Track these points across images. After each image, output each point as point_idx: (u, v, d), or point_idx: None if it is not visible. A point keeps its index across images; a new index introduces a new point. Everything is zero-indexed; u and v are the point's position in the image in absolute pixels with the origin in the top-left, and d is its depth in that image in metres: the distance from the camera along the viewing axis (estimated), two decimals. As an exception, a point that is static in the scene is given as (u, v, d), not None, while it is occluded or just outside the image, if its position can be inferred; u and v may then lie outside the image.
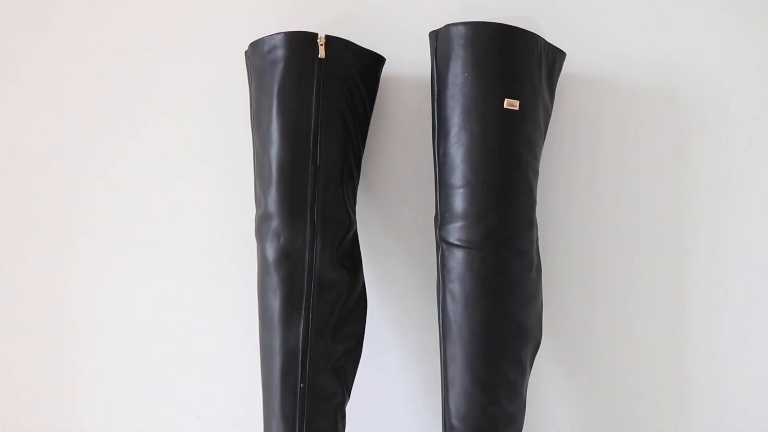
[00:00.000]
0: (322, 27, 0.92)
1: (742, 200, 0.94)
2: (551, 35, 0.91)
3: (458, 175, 0.82)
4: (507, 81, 0.81)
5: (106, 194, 0.97)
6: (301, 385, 0.82)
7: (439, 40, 0.84)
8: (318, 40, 0.84)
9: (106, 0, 0.97)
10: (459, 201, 0.82)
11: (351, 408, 0.88)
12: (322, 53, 0.84)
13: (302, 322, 0.82)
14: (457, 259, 0.82)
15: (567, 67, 0.90)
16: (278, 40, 0.83)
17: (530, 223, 0.83)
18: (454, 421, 0.82)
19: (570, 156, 0.94)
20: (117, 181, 0.97)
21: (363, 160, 0.92)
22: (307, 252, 0.83)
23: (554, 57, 0.87)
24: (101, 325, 0.98)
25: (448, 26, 0.83)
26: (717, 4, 0.93)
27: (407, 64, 0.92)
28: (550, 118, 0.88)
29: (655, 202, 0.94)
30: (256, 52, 0.86)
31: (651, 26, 0.93)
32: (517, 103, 0.82)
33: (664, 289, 0.95)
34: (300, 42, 0.83)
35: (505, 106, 0.82)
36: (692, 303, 0.94)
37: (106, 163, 0.97)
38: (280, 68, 0.83)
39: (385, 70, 0.91)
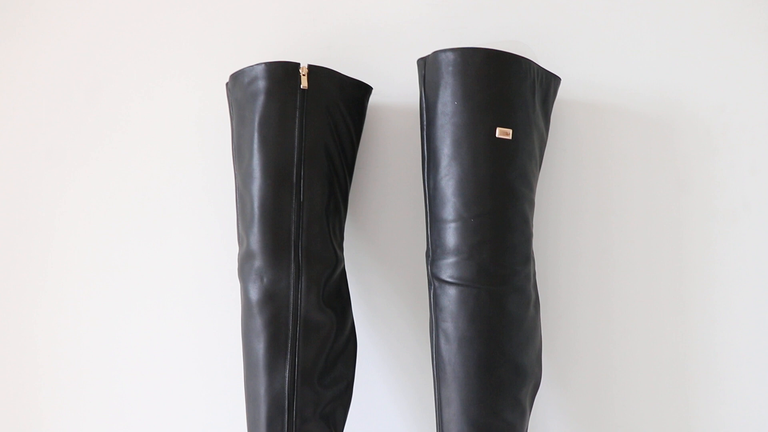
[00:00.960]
0: (306, 55, 0.88)
1: (747, 225, 0.90)
2: (545, 60, 0.87)
3: (449, 208, 0.78)
4: (499, 109, 0.77)
5: (87, 228, 0.93)
6: (288, 433, 0.78)
7: (428, 67, 0.81)
8: (300, 70, 0.80)
9: (86, 30, 0.94)
10: (451, 236, 0.78)
11: (340, 456, 0.84)
12: (304, 83, 0.80)
13: (288, 367, 0.78)
14: (450, 297, 0.78)
15: (562, 92, 0.86)
16: (259, 70, 0.80)
17: (527, 258, 0.79)
18: (451, 469, 0.79)
19: (569, 185, 0.90)
20: (94, 216, 0.93)
21: (350, 195, 0.88)
22: (292, 293, 0.78)
23: (548, 82, 0.83)
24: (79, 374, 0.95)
25: (436, 53, 0.79)
26: (716, 27, 0.89)
27: (395, 93, 0.88)
28: (545, 146, 0.84)
29: (660, 229, 0.90)
30: (237, 83, 0.82)
31: (649, 47, 0.89)
32: (510, 131, 0.78)
33: (683, 331, 0.90)
34: (281, 72, 0.79)
35: (497, 135, 0.78)
36: (713, 340, 0.90)
37: (84, 195, 0.93)
38: (261, 100, 0.79)
39: (372, 99, 0.88)
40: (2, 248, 0.94)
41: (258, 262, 0.79)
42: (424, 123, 0.81)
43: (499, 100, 0.78)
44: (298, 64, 0.80)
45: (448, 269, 0.78)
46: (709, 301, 0.90)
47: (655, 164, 0.90)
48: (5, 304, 0.93)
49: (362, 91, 0.86)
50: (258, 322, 0.78)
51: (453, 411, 0.78)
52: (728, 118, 0.90)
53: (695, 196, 0.90)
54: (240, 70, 0.82)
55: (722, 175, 0.91)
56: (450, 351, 0.79)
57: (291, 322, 0.78)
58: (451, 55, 0.80)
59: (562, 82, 0.87)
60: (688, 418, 0.90)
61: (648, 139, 0.90)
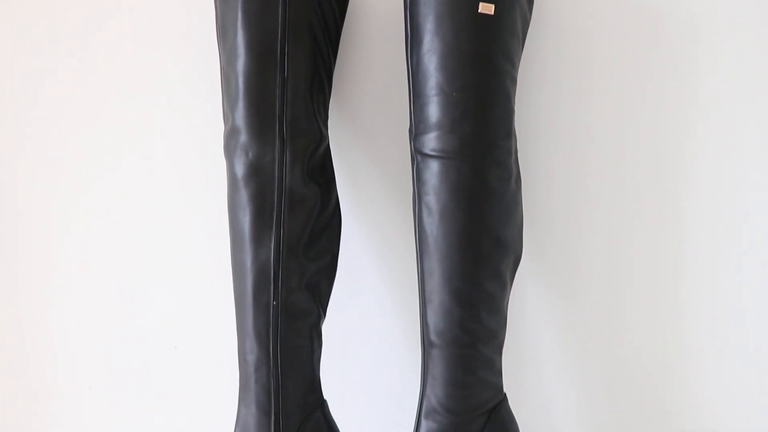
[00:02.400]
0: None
1: (729, 112, 0.92)
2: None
3: (432, 83, 0.79)
4: (481, -17, 0.79)
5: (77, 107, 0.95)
6: (274, 302, 0.80)
7: (412, -59, 0.81)
8: (284, -57, 0.81)
9: None
10: (433, 110, 0.79)
11: (327, 328, 0.87)
12: (288, -42, 0.81)
13: (273, 239, 0.80)
14: (432, 170, 0.80)
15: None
16: (241, -55, 0.80)
17: (508, 133, 0.81)
18: (433, 337, 0.81)
19: (552, 65, 0.91)
20: (86, 96, 0.95)
21: (335, 73, 0.89)
22: (277, 166, 0.80)
23: (532, -41, 0.84)
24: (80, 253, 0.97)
25: (420, -74, 0.80)
26: None
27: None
28: (528, 25, 0.85)
29: (639, 113, 0.92)
30: (219, -42, 0.82)
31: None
32: (492, 7, 0.79)
33: (660, 207, 0.93)
34: (264, -54, 0.80)
35: (480, 10, 0.79)
36: (690, 223, 0.93)
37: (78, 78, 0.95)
38: (243, -24, 0.80)
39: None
40: None
41: (243, 138, 0.80)
42: (408, 0, 0.82)
43: (482, -26, 0.80)
44: (281, -62, 0.81)
45: (430, 143, 0.80)
46: (705, 187, 0.93)
47: (638, 48, 0.92)
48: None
49: (346, -33, 0.86)
50: (243, 196, 0.80)
51: (435, 282, 0.81)
52: (714, 3, 0.91)
53: (677, 81, 0.92)
54: (222, -55, 0.82)
55: (706, 61, 0.92)
56: (432, 223, 0.81)
57: (276, 195, 0.80)
58: (434, -71, 0.80)
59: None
60: (666, 291, 0.94)
61: (632, 22, 0.91)
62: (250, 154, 0.80)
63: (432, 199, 0.80)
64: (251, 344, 0.81)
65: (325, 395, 0.86)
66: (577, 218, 0.94)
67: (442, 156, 0.79)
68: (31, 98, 0.97)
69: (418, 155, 0.81)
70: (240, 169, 0.80)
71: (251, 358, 0.81)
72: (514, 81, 0.82)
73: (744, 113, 0.93)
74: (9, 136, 0.98)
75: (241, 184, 0.80)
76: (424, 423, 0.82)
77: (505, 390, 0.85)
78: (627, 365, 0.96)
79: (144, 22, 0.94)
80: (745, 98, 0.92)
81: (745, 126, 0.93)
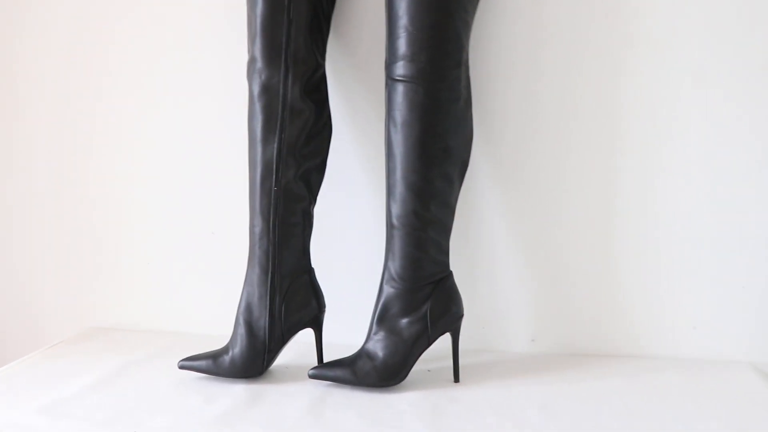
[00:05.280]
0: None
1: (667, 49, 1.10)
2: None
3: (400, 24, 1.02)
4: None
5: (120, 58, 1.24)
6: (275, 188, 1.05)
7: None
8: None
9: None
10: (400, 45, 1.02)
11: (317, 211, 1.11)
12: (295, -74, 1.05)
13: (276, 140, 1.05)
14: (398, 91, 1.03)
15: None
16: None
17: (457, 64, 1.02)
18: (393, 221, 1.04)
19: (510, 10, 1.12)
20: (129, 40, 1.24)
21: (334, 17, 1.13)
22: (281, 86, 1.05)
23: (487, -73, 1.04)
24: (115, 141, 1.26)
25: None
26: None
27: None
28: (484, -21, 1.06)
29: (590, 51, 1.12)
30: (246, -70, 1.08)
31: None
32: (447, -39, 1.01)
33: (596, 128, 1.13)
34: None
35: (438, -33, 1.01)
36: (621, 144, 1.13)
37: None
38: (261, -57, 1.05)
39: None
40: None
41: (258, 65, 1.05)
42: (388, -40, 1.05)
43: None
44: None
45: (397, 70, 1.03)
46: (620, 104, 1.12)
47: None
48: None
49: (344, -65, 1.10)
50: (257, 108, 1.06)
51: (396, 177, 1.04)
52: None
53: (619, 23, 1.11)
54: None
55: (648, 4, 1.10)
56: (395, 132, 1.04)
57: (280, 108, 1.05)
58: None
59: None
60: (599, 194, 1.14)
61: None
62: (263, 77, 1.05)
63: (396, 114, 1.03)
64: (257, 219, 1.06)
65: (313, 265, 1.11)
66: (526, 128, 1.15)
67: (405, 80, 1.02)
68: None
69: (388, 80, 1.04)
70: (255, 88, 1.06)
71: (257, 230, 1.06)
72: (466, 23, 1.03)
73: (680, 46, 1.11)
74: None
75: (256, 99, 1.06)
76: (384, 288, 1.05)
77: (454, 269, 1.07)
78: (561, 259, 1.16)
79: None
80: (677, 67, 1.11)
81: (673, 81, 1.11)
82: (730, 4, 1.10)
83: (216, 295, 1.24)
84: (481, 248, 1.18)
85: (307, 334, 1.10)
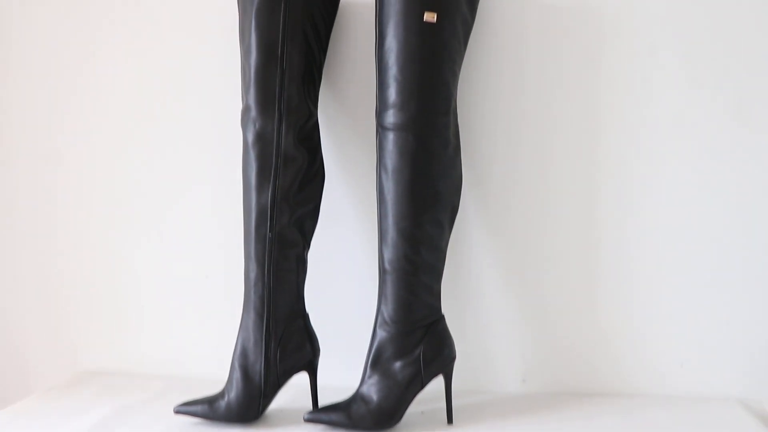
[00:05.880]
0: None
1: (647, 100, 1.14)
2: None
3: (390, 74, 1.05)
4: (426, -1, 1.04)
5: (112, 101, 1.27)
6: (270, 234, 1.07)
7: (381, -30, 1.07)
8: (286, -26, 1.08)
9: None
10: (391, 94, 1.05)
11: (310, 256, 1.13)
12: (288, -16, 1.08)
13: (271, 187, 1.07)
14: (389, 139, 1.06)
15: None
16: (257, -25, 1.08)
17: (446, 111, 1.05)
18: (386, 265, 1.06)
19: (493, 59, 1.17)
20: (123, 87, 1.26)
21: (326, 67, 1.16)
22: (275, 135, 1.08)
23: (472, -20, 1.08)
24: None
25: (386, -41, 1.06)
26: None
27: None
28: (470, 29, 1.10)
29: (571, 96, 1.16)
30: (242, -16, 1.11)
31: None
32: (434, 15, 1.04)
33: (577, 169, 1.17)
34: (272, -24, 1.08)
35: (425, 19, 1.04)
36: (600, 184, 1.16)
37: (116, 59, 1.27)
38: (257, -5, 1.08)
39: (344, -5, 1.16)
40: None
41: (253, 113, 1.08)
42: (377, 11, 1.08)
43: (427, -8, 1.05)
44: (284, -30, 1.08)
45: (388, 119, 1.05)
46: (597, 148, 1.16)
47: (566, 48, 1.16)
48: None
49: (334, -10, 1.13)
50: (252, 156, 1.08)
51: (388, 223, 1.06)
52: (631, 8, 1.14)
53: (601, 76, 1.15)
54: (244, -27, 1.10)
55: (624, 55, 1.15)
56: (387, 179, 1.06)
57: (274, 156, 1.08)
58: (395, -40, 1.06)
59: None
60: (581, 237, 1.17)
61: (561, 27, 1.15)
62: (257, 126, 1.07)
63: (387, 161, 1.05)
64: (252, 265, 1.08)
65: (307, 309, 1.12)
66: (512, 174, 1.18)
67: (396, 128, 1.04)
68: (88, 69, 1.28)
69: (379, 128, 1.07)
70: (250, 137, 1.08)
71: (252, 275, 1.08)
72: (453, 72, 1.06)
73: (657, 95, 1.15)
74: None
75: (250, 147, 1.08)
76: (378, 332, 1.07)
77: (446, 313, 1.09)
78: (551, 299, 1.19)
79: (187, 24, 1.25)
80: (645, 100, 1.15)
81: (641, 124, 1.16)
82: (705, 53, 1.14)
83: (211, 339, 1.26)
84: (471, 291, 1.20)
85: (301, 378, 1.11)
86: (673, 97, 1.15)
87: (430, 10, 1.03)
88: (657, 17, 1.14)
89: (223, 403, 1.07)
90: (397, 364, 1.05)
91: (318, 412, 1.05)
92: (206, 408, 1.07)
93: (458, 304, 1.19)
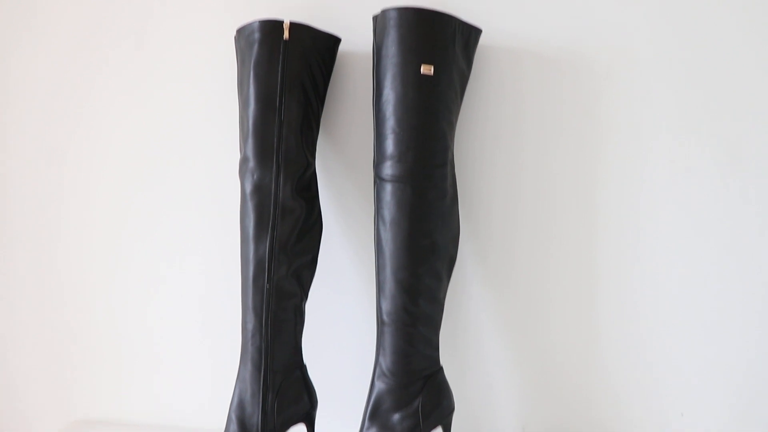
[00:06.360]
0: (291, 13, 1.18)
1: (645, 151, 1.14)
2: (474, 15, 1.13)
3: (387, 125, 1.05)
4: (423, 52, 1.04)
5: (110, 151, 1.27)
6: (267, 285, 1.07)
7: (378, 22, 1.08)
8: (284, 26, 1.09)
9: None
10: (388, 145, 1.05)
11: (308, 307, 1.13)
12: (286, 36, 1.09)
13: (269, 238, 1.07)
14: (387, 191, 1.05)
15: (486, 40, 1.13)
16: (255, 26, 1.09)
17: (443, 163, 1.05)
18: (384, 317, 1.05)
19: (491, 114, 1.16)
20: (121, 137, 1.27)
21: (323, 117, 1.17)
22: (273, 186, 1.07)
23: (469, 32, 1.09)
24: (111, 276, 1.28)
25: (383, 11, 1.07)
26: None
27: (358, 42, 1.16)
28: (467, 82, 1.10)
29: (567, 150, 1.15)
30: (241, 35, 1.11)
31: (558, 4, 1.14)
32: (431, 68, 1.04)
33: (575, 223, 1.16)
34: (270, 27, 1.09)
35: (421, 71, 1.05)
36: (600, 238, 1.15)
37: (110, 113, 1.27)
38: (255, 47, 1.09)
39: (342, 46, 1.16)
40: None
41: (251, 164, 1.08)
42: (374, 63, 1.08)
43: (424, 46, 1.05)
44: (282, 21, 1.09)
45: (386, 170, 1.05)
46: (597, 202, 1.15)
47: (562, 98, 1.15)
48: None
49: (332, 41, 1.14)
50: (250, 207, 1.08)
51: (386, 274, 1.06)
52: (625, 61, 1.14)
53: (597, 125, 1.15)
54: (243, 26, 1.11)
55: (620, 107, 1.14)
56: (384, 231, 1.06)
57: (272, 207, 1.07)
58: (392, 13, 1.07)
59: (486, 32, 1.13)
60: (582, 292, 1.16)
61: (557, 78, 1.15)
62: (255, 176, 1.07)
63: (385, 213, 1.05)
64: (250, 316, 1.07)
65: (305, 360, 1.12)
66: (509, 224, 1.17)
67: (393, 180, 1.04)
68: (82, 121, 1.29)
69: (377, 179, 1.07)
70: (248, 187, 1.08)
71: (249, 326, 1.07)
72: (450, 124, 1.07)
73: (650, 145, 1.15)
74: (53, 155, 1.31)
75: (248, 197, 1.08)
76: (376, 383, 1.06)
77: (444, 364, 1.08)
78: (549, 349, 1.17)
79: (185, 76, 1.25)
80: (641, 149, 1.14)
81: (643, 168, 1.15)
82: (699, 96, 1.14)
83: (207, 391, 1.25)
84: (470, 342, 1.19)
85: (299, 430, 1.10)
86: (668, 143, 1.14)
87: (427, 62, 1.04)
88: (650, 64, 1.14)
89: (220, 456, 1.06)
90: (396, 416, 1.05)
91: (316, 466, 1.05)
92: None
93: (457, 354, 1.18)
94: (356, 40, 1.17)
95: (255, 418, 1.06)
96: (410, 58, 1.04)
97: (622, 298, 1.17)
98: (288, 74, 1.09)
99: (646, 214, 1.16)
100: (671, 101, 1.13)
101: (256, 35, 1.09)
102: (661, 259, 1.16)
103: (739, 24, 1.11)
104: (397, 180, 1.05)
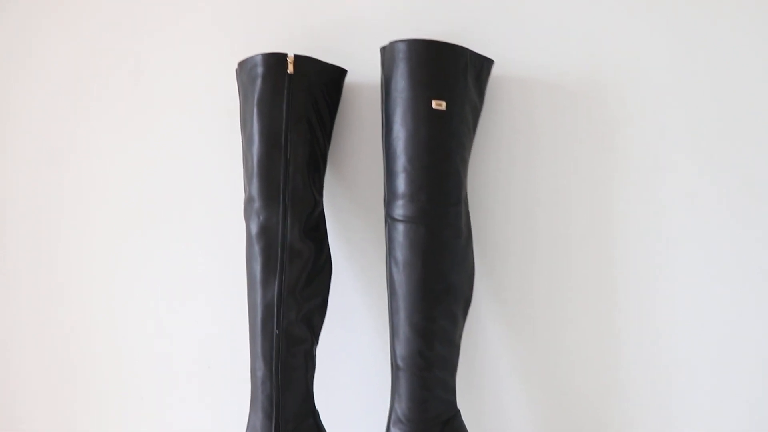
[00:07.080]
0: (295, 46, 1.13)
1: (660, 183, 1.10)
2: (486, 46, 1.09)
3: (398, 163, 1.01)
4: (435, 86, 1.00)
5: (110, 188, 1.23)
6: (277, 331, 1.03)
7: (386, 54, 1.04)
8: (288, 59, 1.05)
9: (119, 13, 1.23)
10: (400, 184, 1.01)
11: (319, 352, 1.09)
12: (291, 69, 1.04)
13: (277, 283, 1.03)
14: (399, 231, 1.02)
15: (499, 71, 1.09)
16: (258, 59, 1.05)
17: (457, 201, 1.02)
18: (398, 362, 1.02)
19: (504, 147, 1.12)
20: (120, 174, 1.23)
21: (330, 153, 1.13)
22: (281, 227, 1.03)
23: (481, 64, 1.05)
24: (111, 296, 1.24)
25: (392, 43, 1.02)
26: (626, 22, 1.09)
27: (365, 74, 1.12)
28: (479, 114, 1.06)
29: (582, 185, 1.11)
30: (242, 69, 1.07)
31: (572, 34, 1.10)
32: (443, 103, 1.01)
33: (593, 255, 1.11)
34: (273, 61, 1.04)
35: (433, 106, 1.01)
36: (622, 278, 1.11)
37: (112, 156, 1.23)
38: (258, 82, 1.04)
39: (348, 79, 1.12)
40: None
41: (256, 205, 1.04)
42: (383, 97, 1.05)
43: (435, 79, 1.01)
44: (286, 55, 1.05)
45: (397, 210, 1.02)
46: (614, 236, 1.11)
47: (577, 129, 1.11)
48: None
49: (338, 74, 1.10)
50: (256, 249, 1.04)
51: (400, 317, 1.02)
52: (639, 91, 1.10)
53: (613, 156, 1.11)
54: (244, 59, 1.07)
55: (635, 137, 1.10)
56: (398, 272, 1.02)
57: (280, 249, 1.03)
58: (401, 45, 1.03)
59: (498, 63, 1.09)
60: (601, 327, 1.12)
61: (571, 109, 1.11)
62: (261, 218, 1.03)
63: (398, 254, 1.01)
64: (259, 363, 1.03)
65: (317, 406, 1.08)
66: (526, 262, 1.13)
67: (406, 220, 1.00)
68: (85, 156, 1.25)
69: (388, 219, 1.03)
70: (254, 229, 1.04)
71: (259, 374, 1.03)
72: (463, 160, 1.03)
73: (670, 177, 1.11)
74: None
75: (254, 240, 1.04)
76: (391, 430, 1.02)
77: (462, 407, 1.05)
78: (568, 390, 1.13)
79: (186, 112, 1.21)
80: (660, 180, 1.10)
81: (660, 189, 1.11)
82: (716, 127, 1.10)
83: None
84: (487, 384, 1.15)
85: (312, 477, 1.07)
86: (686, 175, 1.10)
87: (439, 97, 1.00)
88: (666, 93, 1.10)
89: (231, 508, 1.03)
90: (413, 464, 1.01)
91: None
92: None
93: (474, 397, 1.14)
94: (363, 71, 1.13)
95: (267, 468, 1.03)
96: (421, 92, 1.00)
97: (643, 338, 1.12)
98: (293, 110, 1.04)
99: (664, 249, 1.12)
100: (688, 131, 1.09)
101: (259, 69, 1.05)
102: (681, 293, 1.11)
103: (758, 54, 1.08)
104: (410, 220, 1.01)
